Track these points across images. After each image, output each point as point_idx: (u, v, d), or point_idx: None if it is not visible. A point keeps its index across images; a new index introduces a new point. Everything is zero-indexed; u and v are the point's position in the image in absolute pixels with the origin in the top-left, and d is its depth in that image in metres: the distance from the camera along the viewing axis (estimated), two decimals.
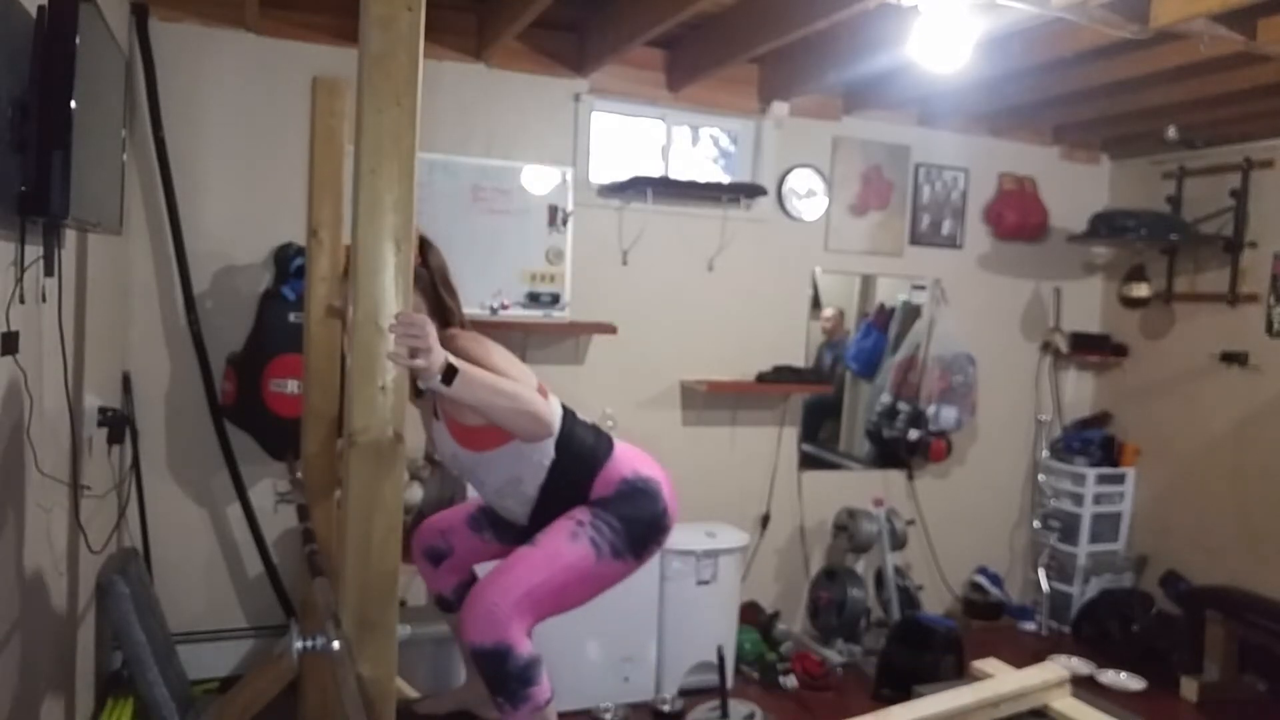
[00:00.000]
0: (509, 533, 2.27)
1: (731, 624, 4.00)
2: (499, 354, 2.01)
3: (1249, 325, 4.45)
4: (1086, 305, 5.16)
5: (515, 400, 1.85)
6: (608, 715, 3.58)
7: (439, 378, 1.64)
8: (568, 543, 2.04)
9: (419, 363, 1.49)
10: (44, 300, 2.16)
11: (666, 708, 3.65)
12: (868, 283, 4.79)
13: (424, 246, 2.16)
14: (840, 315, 4.71)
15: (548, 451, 2.10)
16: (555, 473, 2.11)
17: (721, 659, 3.03)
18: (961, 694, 2.69)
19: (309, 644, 1.41)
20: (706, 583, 3.89)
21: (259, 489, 3.66)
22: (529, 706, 1.99)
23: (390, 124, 1.34)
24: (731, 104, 4.30)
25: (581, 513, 2.08)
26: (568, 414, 2.17)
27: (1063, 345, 5.01)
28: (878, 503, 4.45)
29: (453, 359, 1.68)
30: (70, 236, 2.39)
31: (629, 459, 2.17)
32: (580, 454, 2.13)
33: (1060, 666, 2.97)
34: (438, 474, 3.83)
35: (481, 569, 2.27)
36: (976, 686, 2.75)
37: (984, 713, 2.65)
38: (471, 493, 2.47)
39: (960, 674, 3.61)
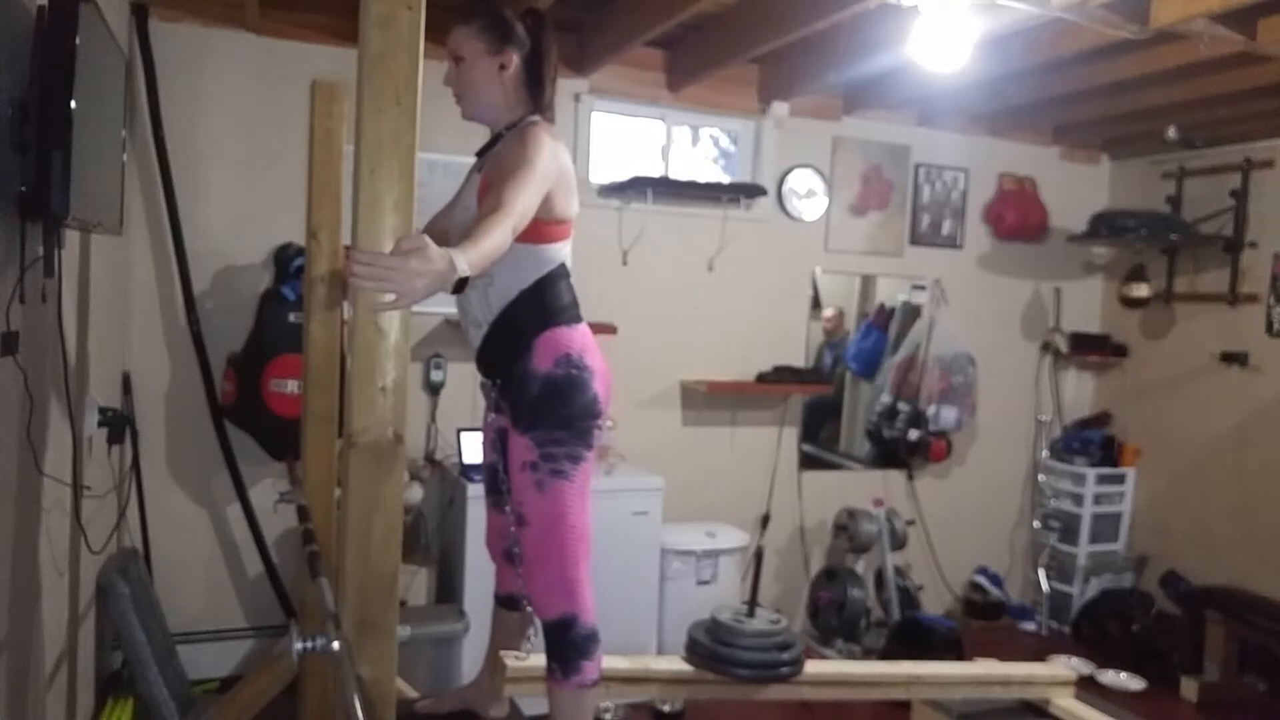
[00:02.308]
0: (499, 492, 2.25)
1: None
2: (553, 167, 1.96)
3: (1249, 325, 4.45)
4: (1086, 305, 5.16)
5: (499, 253, 1.71)
6: (608, 715, 3.58)
7: (449, 291, 1.49)
8: (541, 496, 2.03)
9: (392, 299, 1.33)
10: (44, 300, 2.15)
11: (666, 708, 3.64)
12: (868, 283, 4.79)
13: (539, 19, 2.13)
14: (841, 315, 4.71)
15: (527, 278, 2.07)
16: (520, 302, 2.06)
17: (760, 555, 3.01)
18: (972, 666, 2.73)
19: (309, 644, 1.41)
20: (706, 583, 3.89)
21: (259, 489, 3.66)
22: (577, 680, 2.05)
23: (390, 124, 1.34)
24: (731, 104, 4.30)
25: (525, 450, 2.03)
26: (563, 267, 2.16)
27: (1063, 345, 5.01)
28: (878, 503, 4.45)
29: (464, 268, 1.47)
30: (70, 236, 2.38)
31: (583, 339, 2.12)
32: (548, 303, 2.09)
33: (1068, 667, 2.98)
34: (437, 474, 3.83)
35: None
36: (987, 662, 2.79)
37: (993, 688, 2.69)
38: (473, 493, 2.46)
39: None
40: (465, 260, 1.47)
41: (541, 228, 2.01)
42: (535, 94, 2.11)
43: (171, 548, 3.57)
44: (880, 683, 2.69)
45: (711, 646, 2.52)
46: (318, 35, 3.62)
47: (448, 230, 2.14)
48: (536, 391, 2.03)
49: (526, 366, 2.05)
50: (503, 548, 2.31)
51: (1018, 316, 5.02)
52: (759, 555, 3.11)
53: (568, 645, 2.04)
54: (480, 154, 2.17)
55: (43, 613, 2.32)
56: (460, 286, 1.49)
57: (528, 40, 2.10)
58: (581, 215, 4.21)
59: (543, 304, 2.09)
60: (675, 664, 2.56)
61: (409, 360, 1.42)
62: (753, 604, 2.70)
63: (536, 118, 2.09)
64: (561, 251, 2.14)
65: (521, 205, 1.80)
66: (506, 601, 2.35)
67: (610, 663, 2.31)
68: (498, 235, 1.68)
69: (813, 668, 2.59)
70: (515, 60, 2.08)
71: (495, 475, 2.23)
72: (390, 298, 1.34)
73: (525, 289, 2.07)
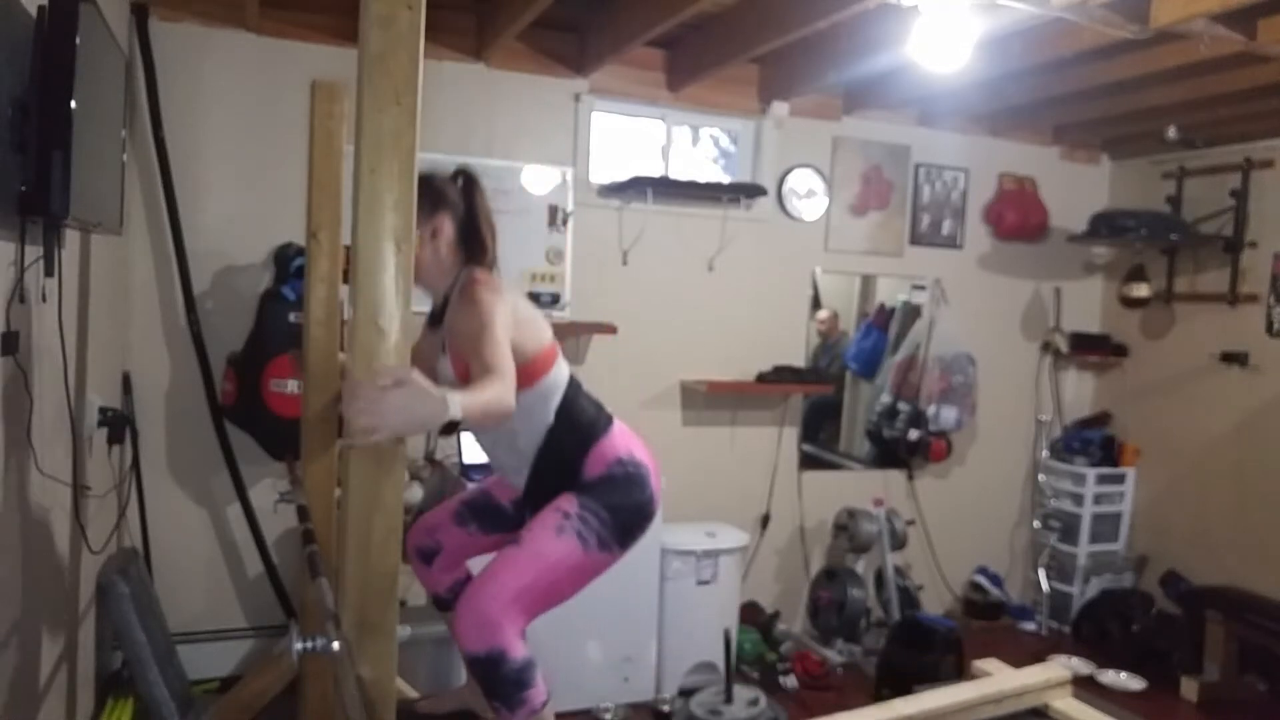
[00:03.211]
0: (494, 522, 2.28)
1: (732, 624, 4.00)
2: (508, 311, 1.96)
3: (1249, 325, 4.45)
4: (1086, 305, 5.16)
5: (498, 413, 1.76)
6: (608, 715, 3.58)
7: (438, 432, 1.58)
8: (553, 539, 2.03)
9: (376, 437, 1.33)
10: (44, 300, 2.16)
11: (666, 708, 3.64)
12: (868, 283, 4.79)
13: (470, 181, 2.15)
14: (835, 317, 4.71)
15: (546, 416, 2.10)
16: (552, 438, 2.11)
17: (728, 641, 3.01)
18: (964, 689, 2.69)
19: (309, 644, 1.41)
20: (706, 583, 3.89)
21: (259, 489, 3.66)
22: (525, 710, 1.98)
23: (390, 123, 1.33)
24: (731, 104, 4.30)
25: (568, 502, 2.06)
26: (573, 383, 2.17)
27: (1063, 345, 5.01)
28: (878, 503, 4.45)
29: (456, 412, 1.52)
30: (70, 236, 2.38)
31: (625, 439, 2.16)
32: (579, 424, 2.12)
33: (1062, 666, 2.97)
34: (437, 473, 3.82)
35: (476, 565, 2.26)
36: (979, 683, 2.76)
37: (986, 708, 2.66)
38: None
39: (960, 674, 3.61)
40: (460, 405, 1.52)
41: (527, 370, 2.01)
42: (475, 253, 2.11)
43: (171, 548, 3.57)
44: None
45: None
46: (318, 35, 3.62)
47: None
48: (594, 482, 2.09)
49: (579, 482, 2.10)
50: (422, 544, 2.34)
51: (1018, 316, 5.02)
52: (727, 638, 3.10)
53: (502, 682, 1.95)
54: (432, 318, 2.17)
55: (43, 613, 2.32)
56: (450, 429, 1.54)
57: (460, 202, 2.11)
58: (582, 215, 4.25)
59: (574, 429, 2.12)
60: None
61: (409, 360, 1.42)
62: (729, 687, 2.65)
63: (473, 270, 2.07)
64: (559, 375, 2.14)
65: (504, 365, 1.82)
66: (439, 603, 2.38)
67: None
68: (493, 391, 1.73)
69: None
70: (448, 225, 2.09)
71: (489, 505, 2.28)
72: (374, 436, 1.33)
73: (550, 425, 2.11)
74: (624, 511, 2.08)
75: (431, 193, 2.06)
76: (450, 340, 2.05)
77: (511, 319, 1.97)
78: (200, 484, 3.64)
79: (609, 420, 2.18)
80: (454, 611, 2.03)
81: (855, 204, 4.58)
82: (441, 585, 2.40)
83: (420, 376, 1.42)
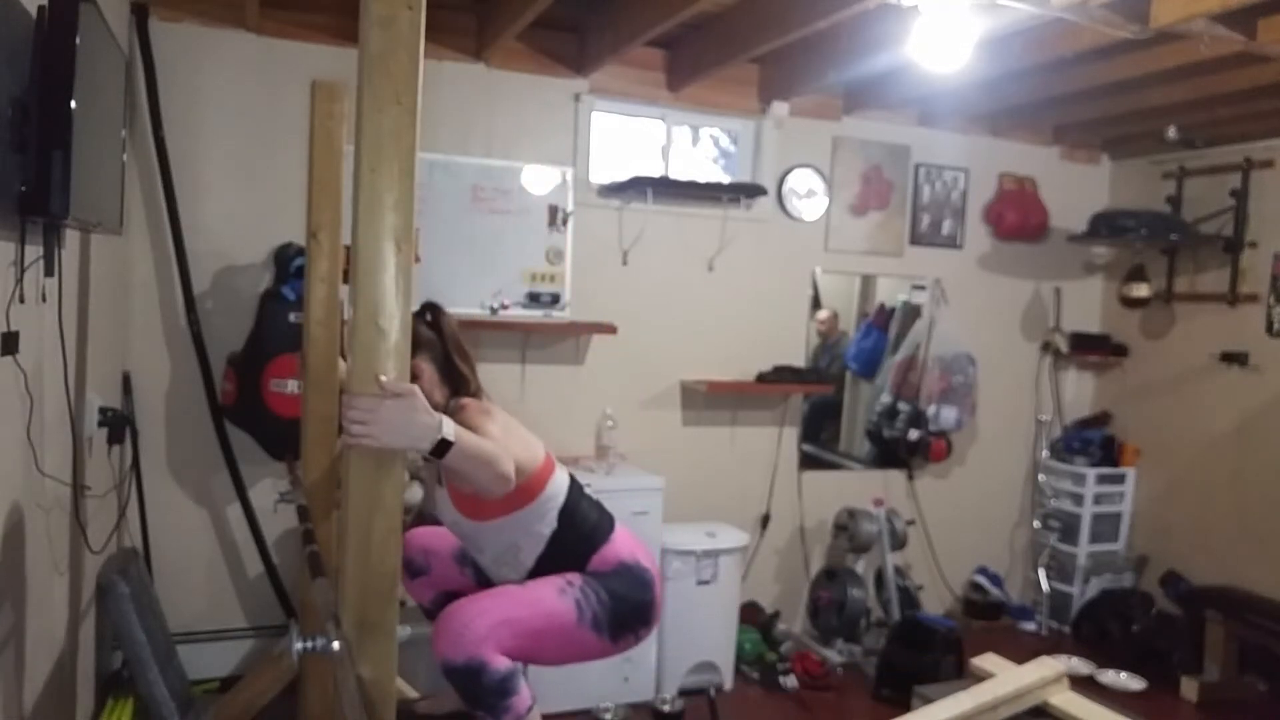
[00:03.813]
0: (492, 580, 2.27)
1: (731, 624, 4.00)
2: (499, 425, 1.98)
3: (1249, 325, 4.45)
4: (1086, 305, 5.16)
5: (493, 464, 1.79)
6: (608, 715, 3.58)
7: (428, 450, 1.57)
8: (554, 595, 2.04)
9: (366, 442, 1.37)
10: (44, 300, 2.15)
11: (666, 708, 3.64)
12: (868, 283, 4.79)
13: (436, 313, 2.17)
14: (835, 317, 4.71)
15: (550, 522, 2.11)
16: (554, 544, 2.11)
17: (713, 702, 3.07)
18: (960, 700, 2.68)
19: (309, 644, 1.41)
20: (706, 583, 3.89)
21: (259, 489, 3.66)
22: (510, 716, 1.97)
23: (390, 123, 1.33)
24: (731, 104, 4.30)
25: (574, 576, 2.09)
26: (574, 487, 2.18)
27: (1063, 345, 5.02)
28: (878, 503, 4.45)
29: (449, 433, 1.58)
30: (70, 236, 2.38)
31: (629, 544, 2.18)
32: (581, 528, 2.13)
33: (1055, 662, 2.97)
34: None
35: None
36: (974, 691, 2.75)
37: (984, 717, 2.66)
38: None
39: (960, 674, 3.61)
40: (454, 430, 1.58)
41: (526, 486, 2.03)
42: (458, 385, 2.12)
43: (171, 548, 3.57)
44: None
45: None
46: (318, 35, 3.62)
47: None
48: (598, 571, 2.11)
49: (585, 569, 2.12)
50: (411, 559, 2.34)
51: (1018, 316, 5.02)
52: (712, 698, 3.11)
53: (484, 692, 1.93)
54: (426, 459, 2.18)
55: (43, 613, 2.32)
56: (440, 451, 1.55)
57: (434, 337, 2.12)
58: (582, 215, 4.25)
59: (578, 533, 2.13)
60: None
61: (409, 360, 1.42)
62: None
63: (460, 401, 2.07)
64: (559, 484, 2.14)
65: (497, 448, 1.82)
66: (428, 613, 2.38)
67: None
68: (490, 448, 1.76)
69: None
70: (426, 367, 2.10)
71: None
72: (363, 440, 1.36)
73: (554, 531, 2.12)
74: (623, 603, 2.09)
75: None
76: (447, 471, 2.02)
77: (505, 436, 1.97)
78: (200, 484, 3.64)
79: (611, 524, 2.19)
80: (436, 621, 2.01)
81: (855, 204, 4.58)
82: (424, 598, 2.41)
83: (420, 393, 1.44)
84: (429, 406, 1.48)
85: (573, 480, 2.19)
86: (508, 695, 1.95)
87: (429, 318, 2.17)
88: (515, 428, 2.09)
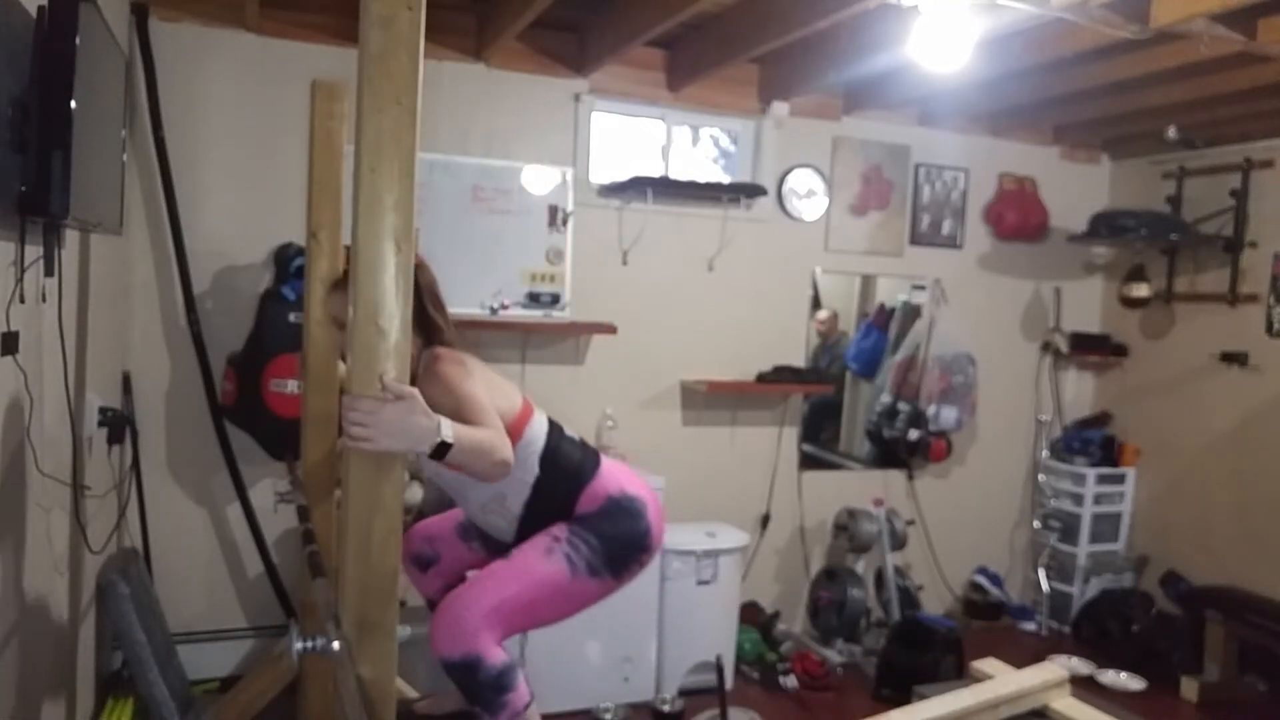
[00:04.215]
0: (497, 544, 2.27)
1: (731, 624, 4.00)
2: (478, 379, 1.97)
3: (1249, 325, 4.45)
4: (1086, 305, 5.16)
5: (491, 454, 1.79)
6: (608, 715, 3.58)
7: (428, 452, 1.58)
8: (541, 559, 2.04)
9: (368, 446, 1.38)
10: (44, 300, 2.16)
11: (666, 708, 3.64)
12: (868, 283, 4.79)
13: (420, 266, 2.15)
14: (835, 317, 4.71)
15: (531, 468, 2.10)
16: (540, 489, 2.11)
17: (720, 667, 3.02)
18: (961, 696, 2.69)
19: (309, 644, 1.41)
20: (706, 583, 3.89)
21: (259, 489, 3.66)
22: (507, 713, 1.97)
23: (390, 124, 1.33)
24: (731, 104, 4.30)
25: (559, 529, 2.07)
26: (554, 429, 2.16)
27: (1063, 345, 5.01)
28: (878, 503, 4.45)
29: (448, 434, 1.58)
30: (70, 236, 2.38)
31: (616, 476, 2.16)
32: (565, 470, 2.12)
33: (1060, 666, 2.96)
34: None
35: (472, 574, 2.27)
36: (976, 688, 2.75)
37: (984, 715, 2.65)
38: None
39: (960, 674, 3.61)
40: (452, 431, 1.58)
41: (506, 432, 1.98)
42: (431, 335, 2.10)
43: (171, 548, 3.57)
44: None
45: None
46: (318, 35, 3.62)
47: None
48: (586, 514, 2.09)
49: (574, 515, 2.11)
50: (417, 550, 2.34)
51: (1018, 316, 5.02)
52: (719, 664, 3.11)
53: (481, 687, 1.95)
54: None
55: (43, 613, 2.32)
56: (440, 452, 1.56)
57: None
58: (582, 215, 4.25)
59: (561, 475, 2.12)
60: None
61: (409, 360, 1.42)
62: (723, 712, 2.64)
63: (434, 350, 2.06)
64: (538, 428, 2.13)
65: (490, 420, 1.84)
66: (432, 607, 2.37)
67: None
68: (487, 435, 1.76)
69: None
70: None
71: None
72: (362, 444, 1.37)
73: (538, 477, 2.11)
74: (615, 541, 2.08)
75: None
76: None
77: (484, 387, 1.97)
78: (200, 484, 3.64)
79: (596, 460, 2.17)
80: (432, 619, 2.03)
81: (855, 204, 4.58)
82: (435, 591, 2.40)
83: (419, 396, 1.45)
84: (428, 409, 1.48)
85: (552, 424, 2.17)
86: (504, 691, 1.95)
87: None
88: (492, 377, 2.07)
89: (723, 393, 4.32)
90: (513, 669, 1.98)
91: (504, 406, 2.04)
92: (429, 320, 2.11)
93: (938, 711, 2.60)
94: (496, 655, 1.96)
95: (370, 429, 1.36)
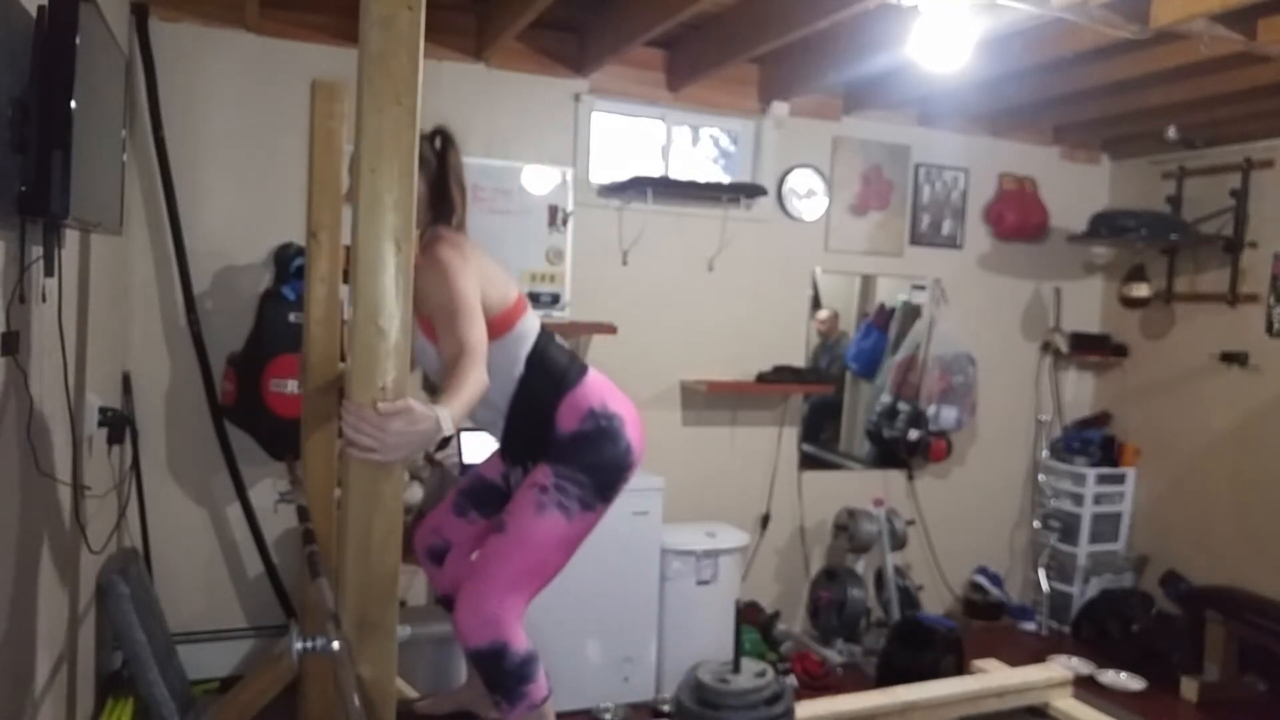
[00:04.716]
0: (492, 503, 2.26)
1: (731, 625, 3.99)
2: (473, 270, 1.96)
3: (1249, 325, 4.45)
4: (1086, 305, 5.16)
5: (479, 392, 1.79)
6: (608, 715, 3.58)
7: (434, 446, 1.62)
8: (535, 518, 2.02)
9: (375, 458, 1.40)
10: (44, 300, 2.15)
11: (666, 708, 3.64)
12: (868, 283, 4.79)
13: (446, 140, 2.14)
14: (835, 317, 4.71)
15: (518, 364, 2.09)
16: (524, 388, 2.09)
17: (738, 611, 3.01)
18: (967, 681, 2.72)
19: (309, 644, 1.41)
20: (706, 583, 3.89)
21: (259, 489, 3.66)
22: (526, 704, 1.99)
23: (390, 123, 1.33)
24: (731, 104, 4.30)
25: (543, 475, 2.04)
26: (544, 334, 2.15)
27: (1063, 345, 5.01)
28: (878, 503, 4.45)
29: (449, 427, 1.57)
30: (70, 236, 2.38)
31: (599, 388, 2.13)
32: (550, 373, 2.10)
33: (1062, 667, 2.97)
34: (437, 473, 3.83)
35: None
36: (982, 676, 2.78)
37: (989, 701, 2.68)
38: None
39: (960, 674, 3.61)
40: (451, 417, 1.57)
41: (495, 323, 2.00)
42: (443, 213, 2.10)
43: (171, 548, 3.57)
44: (875, 715, 2.67)
45: (699, 711, 2.46)
46: (318, 35, 3.62)
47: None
48: (567, 442, 2.07)
49: (554, 436, 2.08)
50: (430, 544, 2.33)
51: (1018, 316, 5.02)
52: (738, 607, 3.09)
53: (504, 675, 1.97)
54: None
55: (43, 613, 2.32)
56: (444, 443, 1.53)
57: (434, 160, 2.11)
58: (582, 215, 4.25)
59: (545, 377, 2.11)
60: None
61: (409, 360, 1.42)
62: (737, 659, 2.66)
63: (439, 229, 2.07)
64: (529, 326, 2.13)
65: (476, 336, 1.84)
66: (447, 604, 2.36)
67: None
68: (473, 378, 1.76)
69: (805, 711, 2.55)
70: (420, 183, 2.05)
71: (483, 487, 2.25)
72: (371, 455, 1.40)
73: (522, 375, 2.10)
74: (601, 470, 2.06)
75: None
76: (416, 300, 2.04)
77: (479, 280, 1.97)
78: (200, 484, 3.64)
79: (582, 369, 2.15)
80: (454, 611, 2.04)
81: (855, 204, 4.58)
82: (454, 586, 2.38)
83: (416, 402, 1.45)
84: (425, 412, 1.48)
85: (544, 328, 2.17)
86: (526, 681, 1.98)
87: (438, 143, 2.14)
88: (487, 265, 2.06)
89: (723, 393, 4.32)
90: (535, 660, 2.01)
91: (495, 298, 2.03)
92: (448, 199, 2.10)
93: (944, 690, 2.64)
94: (521, 642, 1.99)
95: (378, 444, 1.39)
